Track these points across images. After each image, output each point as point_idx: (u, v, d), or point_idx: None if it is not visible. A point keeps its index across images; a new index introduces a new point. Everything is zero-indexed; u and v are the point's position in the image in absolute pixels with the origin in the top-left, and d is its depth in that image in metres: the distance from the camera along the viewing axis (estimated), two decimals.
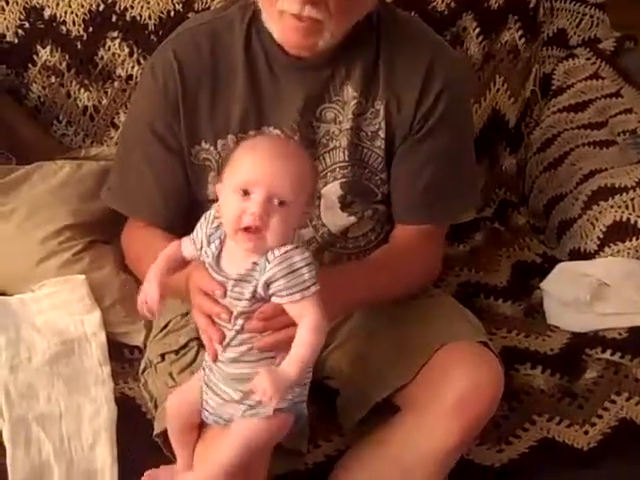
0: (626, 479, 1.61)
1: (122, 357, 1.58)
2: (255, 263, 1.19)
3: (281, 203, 1.17)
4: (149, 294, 1.23)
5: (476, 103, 1.94)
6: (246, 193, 1.17)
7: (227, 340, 1.23)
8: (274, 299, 1.19)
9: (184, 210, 1.47)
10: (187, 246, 1.27)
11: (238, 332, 1.22)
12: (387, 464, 1.40)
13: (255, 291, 1.19)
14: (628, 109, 1.96)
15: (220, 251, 1.23)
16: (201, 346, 1.38)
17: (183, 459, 1.31)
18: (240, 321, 1.21)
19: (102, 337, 1.53)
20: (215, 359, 1.24)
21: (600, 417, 1.55)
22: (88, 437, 1.40)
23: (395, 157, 1.44)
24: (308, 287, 1.17)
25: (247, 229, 1.17)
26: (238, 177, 1.19)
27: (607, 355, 1.60)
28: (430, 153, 1.43)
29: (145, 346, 1.56)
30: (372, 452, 1.41)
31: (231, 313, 1.21)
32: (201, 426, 1.30)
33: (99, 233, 1.66)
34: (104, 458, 1.39)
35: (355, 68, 1.41)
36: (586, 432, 1.55)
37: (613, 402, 1.56)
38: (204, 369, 1.28)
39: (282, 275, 1.17)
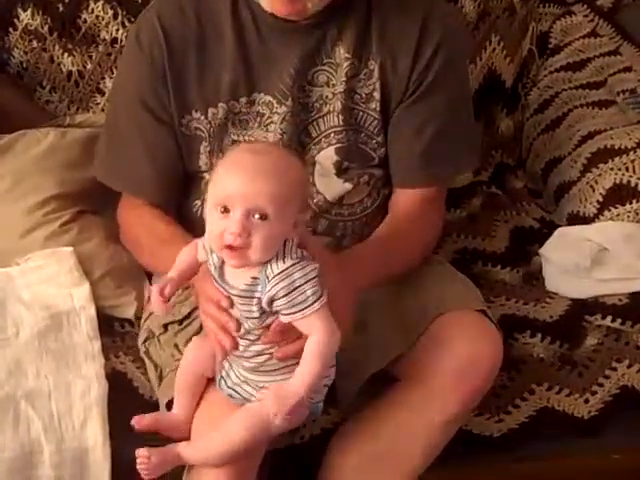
0: (627, 446, 1.60)
1: (112, 331, 1.54)
2: (255, 278, 1.17)
3: (262, 217, 1.14)
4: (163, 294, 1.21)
5: (471, 63, 1.90)
6: (226, 210, 1.15)
7: (240, 350, 1.22)
8: (280, 318, 1.18)
9: (178, 184, 1.44)
10: (200, 249, 1.24)
11: (252, 342, 1.21)
12: (383, 437, 1.38)
13: (261, 307, 1.17)
14: (627, 67, 1.93)
15: (223, 262, 1.20)
16: None
17: (183, 409, 1.29)
18: (252, 337, 1.20)
19: (92, 311, 1.50)
20: (224, 358, 1.24)
21: (601, 385, 1.54)
22: (79, 414, 1.37)
23: (392, 119, 1.42)
24: (311, 304, 1.16)
25: (229, 247, 1.14)
26: (217, 194, 1.16)
27: (607, 322, 1.58)
28: (429, 112, 1.41)
29: (137, 319, 1.53)
30: (368, 425, 1.39)
31: (239, 324, 1.20)
32: (209, 382, 1.28)
33: (87, 203, 1.62)
34: (95, 436, 1.36)
35: (347, 28, 1.38)
36: (586, 401, 1.54)
37: (614, 369, 1.55)
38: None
39: (284, 294, 1.16)
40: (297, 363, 1.19)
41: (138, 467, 1.24)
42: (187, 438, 1.28)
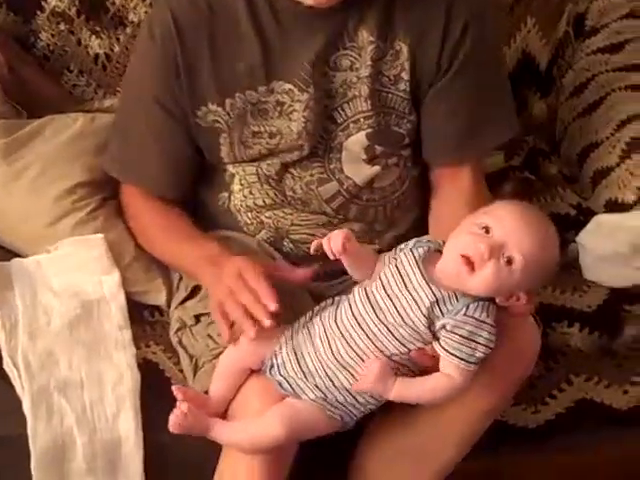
0: None
1: (142, 319, 1.53)
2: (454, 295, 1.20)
3: (509, 261, 1.18)
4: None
5: (505, 46, 1.86)
6: (487, 231, 1.19)
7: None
8: (436, 344, 1.21)
9: (192, 178, 1.45)
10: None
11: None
12: (416, 429, 1.37)
13: (429, 325, 1.21)
14: None
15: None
16: None
17: (219, 397, 1.29)
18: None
19: (122, 298, 1.48)
20: (230, 342, 1.25)
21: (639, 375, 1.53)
22: (111, 405, 1.36)
23: (427, 100, 1.40)
24: (471, 363, 1.20)
25: (467, 258, 1.18)
26: (485, 219, 1.21)
27: None
28: (465, 90, 1.40)
29: (168, 306, 1.51)
30: (401, 417, 1.37)
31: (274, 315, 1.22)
32: (252, 372, 1.28)
33: (111, 189, 1.59)
34: (128, 426, 1.35)
35: (369, 10, 1.36)
36: (625, 392, 1.52)
37: None
38: (296, 332, 1.26)
39: (460, 334, 1.19)
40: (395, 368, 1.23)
41: (171, 415, 1.24)
42: None
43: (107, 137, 1.53)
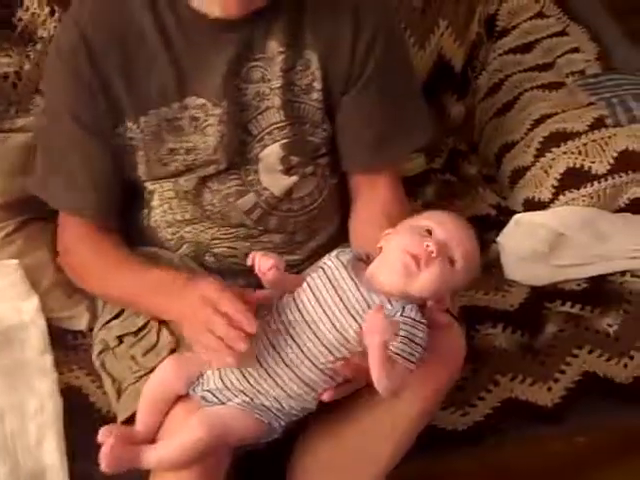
0: (590, 433, 1.60)
1: (65, 344, 1.50)
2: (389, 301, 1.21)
3: (451, 262, 1.21)
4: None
5: (420, 49, 1.87)
6: (429, 233, 1.21)
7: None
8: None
9: (119, 197, 1.40)
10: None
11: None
12: (349, 435, 1.36)
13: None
14: (575, 48, 1.92)
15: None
16: (161, 325, 1.35)
17: (147, 427, 1.27)
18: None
19: (42, 324, 1.45)
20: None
21: (563, 372, 1.54)
22: (34, 434, 1.33)
23: (341, 108, 1.40)
24: (413, 362, 1.20)
25: (415, 256, 1.19)
26: (426, 222, 1.23)
27: (567, 308, 1.58)
28: (377, 97, 1.40)
29: (90, 330, 1.49)
30: (335, 424, 1.37)
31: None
32: (178, 399, 1.27)
33: (33, 210, 1.56)
34: (52, 455, 1.33)
35: (276, 21, 1.35)
36: (549, 389, 1.53)
37: (575, 356, 1.55)
38: None
39: (401, 334, 1.19)
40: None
41: (100, 455, 1.21)
42: None
43: (36, 160, 1.47)
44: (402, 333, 1.19)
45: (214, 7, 1.30)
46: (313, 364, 1.22)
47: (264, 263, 1.23)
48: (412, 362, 1.20)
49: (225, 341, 1.19)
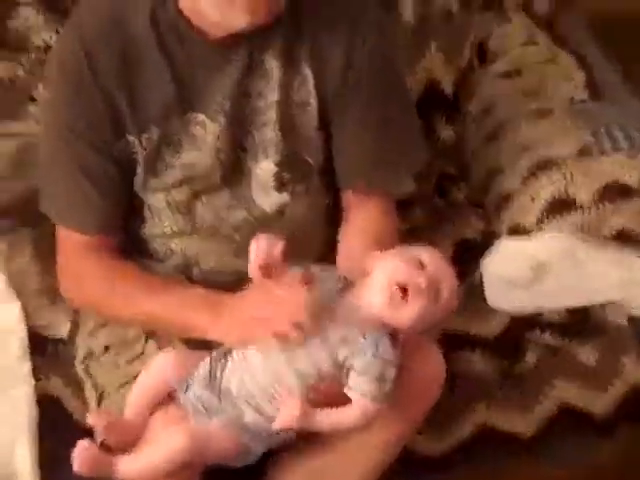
0: (567, 464, 1.59)
1: (45, 351, 1.50)
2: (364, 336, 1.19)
3: (436, 299, 1.20)
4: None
5: (411, 70, 1.87)
6: (421, 264, 1.19)
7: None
8: (346, 388, 1.20)
9: (122, 211, 1.40)
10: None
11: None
12: (326, 457, 1.36)
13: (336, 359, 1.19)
14: (564, 75, 1.91)
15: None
16: (149, 336, 1.35)
17: (137, 417, 1.26)
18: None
19: (22, 331, 1.46)
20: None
21: (540, 403, 1.54)
22: (6, 440, 1.33)
23: (334, 126, 1.40)
24: (383, 400, 1.20)
25: (402, 286, 1.17)
26: (418, 253, 1.22)
27: (546, 337, 1.58)
28: (372, 116, 1.40)
29: (71, 339, 1.48)
30: (308, 449, 1.37)
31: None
32: (165, 401, 1.27)
33: (17, 216, 1.57)
34: (24, 461, 1.33)
35: (274, 36, 1.36)
36: (527, 418, 1.53)
37: (553, 386, 1.54)
38: (217, 360, 1.24)
39: (370, 375, 1.19)
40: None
41: (73, 454, 1.20)
42: None
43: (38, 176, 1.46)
44: (372, 373, 1.19)
45: (240, 15, 1.28)
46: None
47: (273, 246, 1.22)
48: (382, 400, 1.20)
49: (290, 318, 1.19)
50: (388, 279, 1.20)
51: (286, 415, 1.19)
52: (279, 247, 1.22)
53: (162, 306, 1.32)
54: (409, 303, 1.19)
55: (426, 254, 1.23)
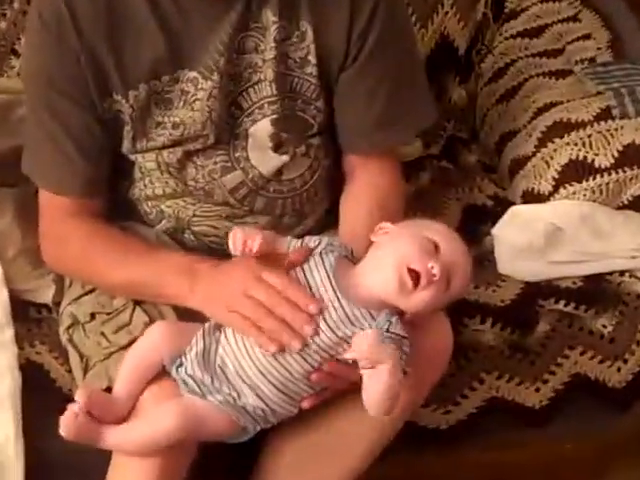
0: (578, 437, 1.56)
1: (28, 317, 1.45)
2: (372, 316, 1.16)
3: (447, 287, 1.16)
4: None
5: (422, 28, 1.82)
6: (437, 249, 1.15)
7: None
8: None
9: (107, 173, 1.35)
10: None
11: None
12: (321, 436, 1.31)
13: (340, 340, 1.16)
14: (586, 35, 1.85)
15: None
16: (137, 305, 1.30)
17: (127, 394, 1.21)
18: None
19: (4, 295, 1.40)
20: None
21: (553, 373, 1.49)
22: None
23: (340, 84, 1.35)
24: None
25: (414, 273, 1.13)
26: (434, 235, 1.17)
27: (561, 306, 1.52)
28: (378, 74, 1.35)
29: (56, 304, 1.43)
30: (304, 426, 1.31)
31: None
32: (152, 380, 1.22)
33: (1, 176, 1.51)
34: (7, 431, 1.28)
35: None
36: (537, 389, 1.49)
37: (566, 357, 1.50)
38: (209, 334, 1.20)
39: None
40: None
41: (61, 418, 1.16)
42: None
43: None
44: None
45: None
46: (289, 372, 1.17)
47: (253, 240, 1.18)
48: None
49: (291, 324, 1.16)
50: (399, 263, 1.14)
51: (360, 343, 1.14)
52: (257, 241, 1.18)
53: (142, 271, 1.28)
54: (419, 291, 1.14)
55: (441, 236, 1.18)
